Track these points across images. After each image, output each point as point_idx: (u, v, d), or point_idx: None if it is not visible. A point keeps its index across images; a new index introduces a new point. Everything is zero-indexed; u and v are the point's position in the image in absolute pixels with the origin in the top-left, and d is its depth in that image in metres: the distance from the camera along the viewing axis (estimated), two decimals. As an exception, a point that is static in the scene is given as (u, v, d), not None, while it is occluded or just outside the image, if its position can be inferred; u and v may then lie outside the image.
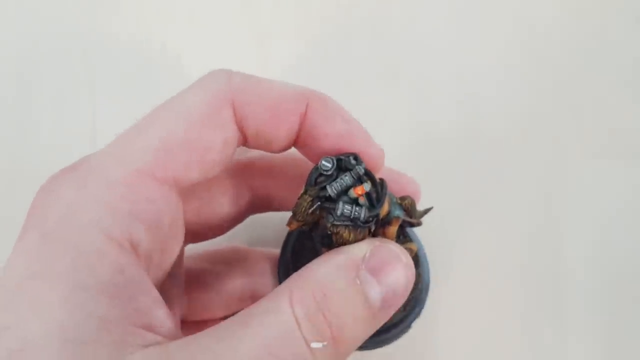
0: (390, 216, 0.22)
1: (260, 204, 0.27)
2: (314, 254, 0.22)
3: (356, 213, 0.21)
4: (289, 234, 0.29)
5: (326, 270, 0.20)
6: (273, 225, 0.33)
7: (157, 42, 0.37)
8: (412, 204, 0.24)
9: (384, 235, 0.23)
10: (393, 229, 0.23)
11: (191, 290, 0.27)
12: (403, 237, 0.25)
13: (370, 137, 0.23)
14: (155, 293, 0.20)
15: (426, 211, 0.26)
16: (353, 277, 0.20)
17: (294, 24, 0.37)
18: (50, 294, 0.17)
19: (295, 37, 0.37)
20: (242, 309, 0.29)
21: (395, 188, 0.25)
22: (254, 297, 0.29)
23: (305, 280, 0.19)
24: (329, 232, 0.21)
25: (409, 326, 0.28)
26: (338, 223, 0.21)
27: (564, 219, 0.34)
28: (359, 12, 0.37)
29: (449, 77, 0.36)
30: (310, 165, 0.24)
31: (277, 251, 0.30)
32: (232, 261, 0.29)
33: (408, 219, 0.24)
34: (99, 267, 0.18)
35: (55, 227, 0.19)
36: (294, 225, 0.22)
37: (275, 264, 0.29)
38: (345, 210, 0.21)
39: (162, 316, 0.19)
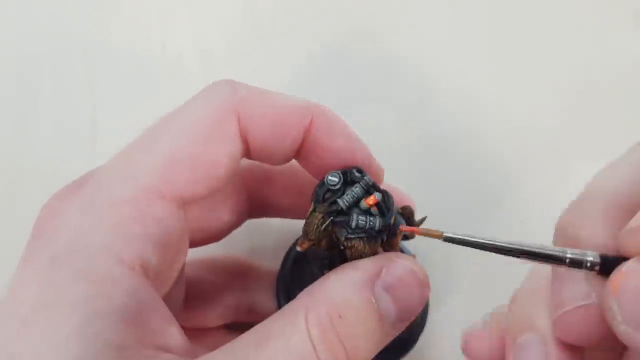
0: (395, 227, 0.22)
1: (257, 210, 0.27)
2: (314, 273, 0.22)
3: (371, 223, 0.21)
4: (289, 251, 0.29)
5: (342, 289, 0.20)
6: (273, 233, 0.33)
7: (157, 42, 0.37)
8: (412, 213, 0.24)
9: (389, 247, 0.22)
10: (397, 240, 0.23)
11: (187, 298, 0.27)
12: (400, 251, 0.25)
13: (370, 153, 0.23)
14: (167, 311, 0.20)
15: (421, 221, 0.26)
16: (369, 296, 0.20)
17: (295, 27, 0.37)
18: (65, 325, 0.17)
19: (295, 39, 0.37)
20: (238, 320, 0.29)
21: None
22: (250, 311, 0.29)
23: (321, 299, 0.19)
24: (342, 247, 0.21)
25: (414, 343, 0.28)
26: (352, 236, 0.20)
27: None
28: (360, 15, 0.37)
29: (447, 84, 0.36)
30: (308, 175, 0.24)
31: (276, 265, 0.29)
32: (231, 272, 0.29)
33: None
34: (113, 293, 0.18)
35: (65, 252, 0.19)
36: (306, 244, 0.21)
37: (274, 279, 0.29)
38: (360, 222, 0.20)
39: (175, 334, 0.19)
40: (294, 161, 0.24)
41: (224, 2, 0.37)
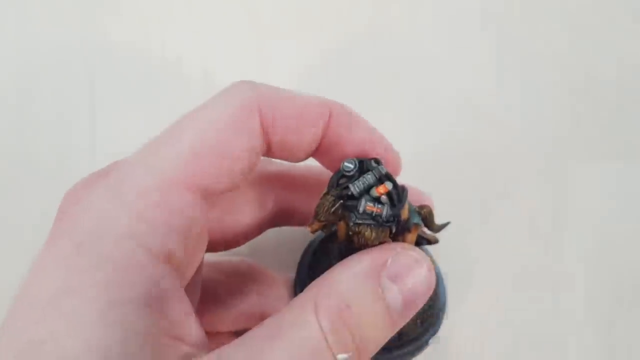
0: (409, 223, 0.23)
1: (281, 217, 0.27)
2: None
3: (379, 210, 0.21)
4: (304, 254, 0.29)
5: (349, 280, 0.20)
6: (273, 235, 0.33)
7: (157, 43, 0.36)
8: (430, 214, 0.24)
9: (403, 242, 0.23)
10: (412, 237, 0.23)
11: (202, 300, 0.27)
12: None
13: (389, 144, 0.24)
14: (187, 301, 0.20)
15: (444, 225, 0.26)
16: (376, 286, 0.20)
17: (295, 27, 0.37)
18: (88, 310, 0.17)
19: (295, 39, 0.37)
20: (249, 327, 0.29)
21: (410, 201, 0.26)
22: (263, 317, 0.29)
23: (329, 291, 0.20)
24: (351, 233, 0.21)
25: (426, 343, 0.28)
26: (360, 221, 0.21)
27: (571, 227, 0.35)
28: (359, 17, 0.37)
29: (447, 84, 0.36)
30: None
31: (291, 274, 0.30)
32: (245, 277, 0.29)
33: (425, 235, 0.24)
34: (137, 280, 0.18)
35: (89, 238, 0.18)
36: (316, 225, 0.22)
37: (288, 288, 0.29)
38: (367, 208, 0.21)
39: (193, 326, 0.19)
40: (318, 167, 0.24)
41: (224, 3, 0.37)
